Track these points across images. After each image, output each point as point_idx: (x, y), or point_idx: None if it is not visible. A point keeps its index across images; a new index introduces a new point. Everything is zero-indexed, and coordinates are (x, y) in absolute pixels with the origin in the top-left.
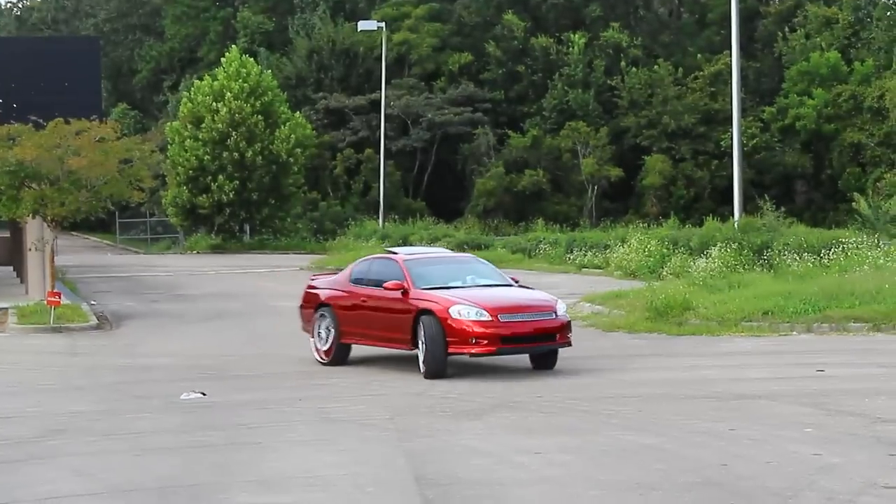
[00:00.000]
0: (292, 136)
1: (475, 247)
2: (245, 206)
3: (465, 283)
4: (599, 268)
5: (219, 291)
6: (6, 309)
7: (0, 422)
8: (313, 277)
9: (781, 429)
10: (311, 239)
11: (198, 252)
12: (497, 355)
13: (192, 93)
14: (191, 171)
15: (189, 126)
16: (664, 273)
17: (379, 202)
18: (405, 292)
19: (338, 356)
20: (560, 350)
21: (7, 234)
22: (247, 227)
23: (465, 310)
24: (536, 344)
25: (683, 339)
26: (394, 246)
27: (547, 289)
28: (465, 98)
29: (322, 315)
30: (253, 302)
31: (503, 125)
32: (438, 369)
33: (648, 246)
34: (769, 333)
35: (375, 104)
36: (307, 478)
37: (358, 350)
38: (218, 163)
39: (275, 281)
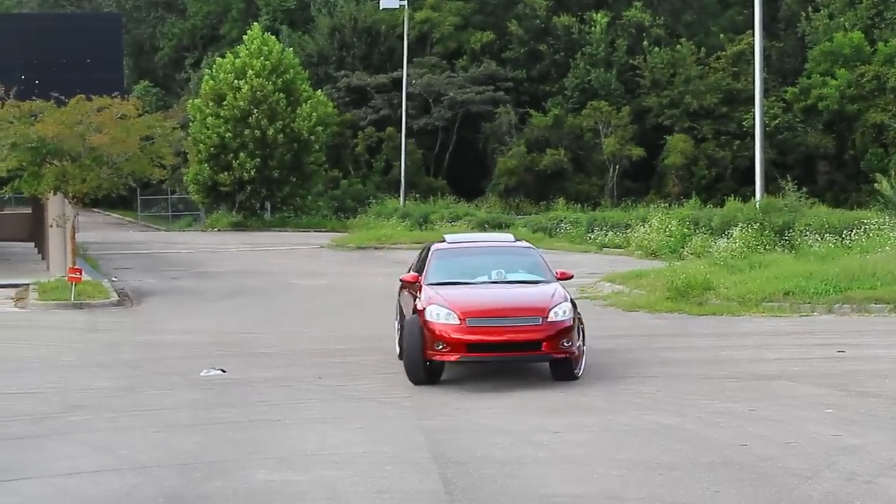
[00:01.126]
0: (314, 114)
1: (496, 225)
2: (266, 184)
3: (490, 277)
4: (620, 247)
5: (239, 269)
6: (27, 285)
7: (21, 397)
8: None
9: (801, 409)
10: (332, 217)
11: (219, 229)
12: (462, 363)
13: (214, 70)
14: (212, 149)
15: (211, 103)
16: (685, 253)
17: (400, 180)
18: (420, 287)
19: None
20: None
21: (29, 211)
22: (268, 205)
23: (437, 311)
24: (510, 353)
25: (704, 320)
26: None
27: (566, 268)
28: (487, 77)
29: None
30: (273, 280)
31: (525, 104)
32: (417, 377)
33: (669, 226)
34: (790, 314)
35: (397, 82)
36: (326, 455)
37: (378, 329)
38: (239, 140)
39: (295, 259)
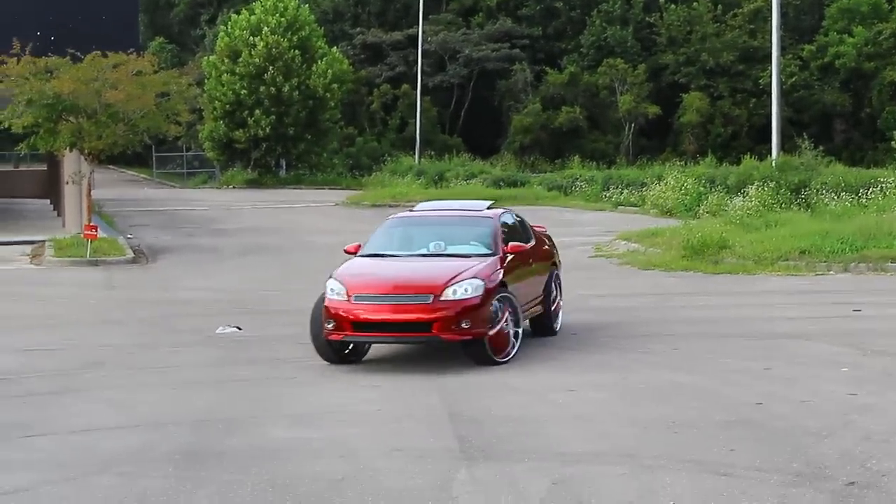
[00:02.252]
0: (329, 71)
1: (511, 183)
2: (281, 141)
3: (429, 249)
4: (635, 206)
5: (255, 226)
6: (43, 242)
7: (37, 354)
8: None
9: (817, 368)
10: (346, 175)
11: (234, 187)
12: (347, 343)
13: (230, 27)
14: (227, 106)
15: (226, 60)
16: (701, 211)
17: (415, 138)
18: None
19: None
20: (592, 289)
21: (44, 168)
22: (283, 163)
23: (332, 285)
24: (396, 334)
25: (719, 278)
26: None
27: (582, 226)
28: (503, 34)
29: None
30: (289, 237)
31: (540, 62)
32: (322, 353)
33: (685, 184)
34: (806, 273)
35: (413, 39)
36: (341, 412)
37: None
38: (255, 97)
39: (311, 216)
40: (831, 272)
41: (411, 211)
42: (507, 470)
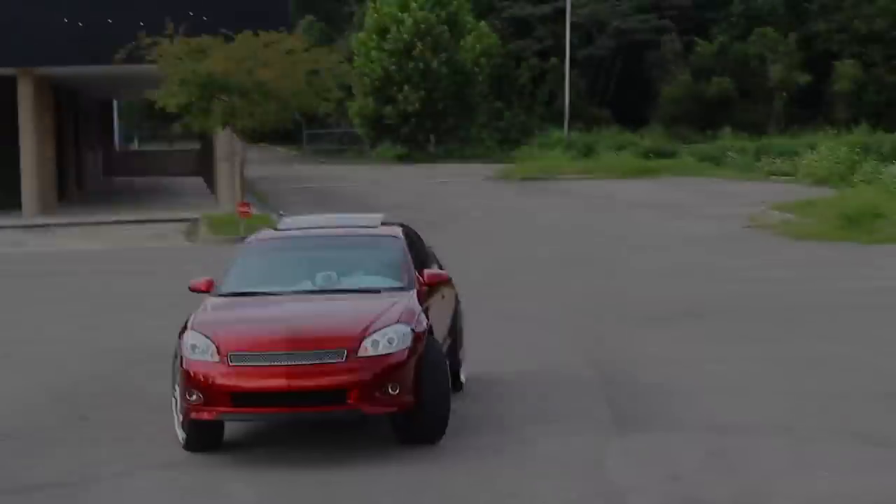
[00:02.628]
0: (477, 45)
1: (661, 154)
2: (430, 117)
3: (315, 283)
4: (788, 175)
5: (406, 201)
6: (197, 219)
7: None
8: None
9: None
10: (496, 148)
11: (384, 162)
12: (218, 425)
13: (378, 3)
14: (376, 82)
15: (374, 37)
16: (855, 180)
17: (564, 111)
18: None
19: None
20: (746, 259)
21: (197, 146)
22: (432, 138)
23: (194, 341)
24: (296, 409)
25: (876, 248)
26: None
27: (734, 197)
28: (652, 5)
29: None
30: (441, 210)
31: (689, 32)
32: (184, 439)
33: (838, 152)
34: None
35: (560, 12)
36: (489, 377)
37: (540, 253)
38: (403, 73)
39: (461, 190)
40: None
41: (276, 230)
42: (661, 441)
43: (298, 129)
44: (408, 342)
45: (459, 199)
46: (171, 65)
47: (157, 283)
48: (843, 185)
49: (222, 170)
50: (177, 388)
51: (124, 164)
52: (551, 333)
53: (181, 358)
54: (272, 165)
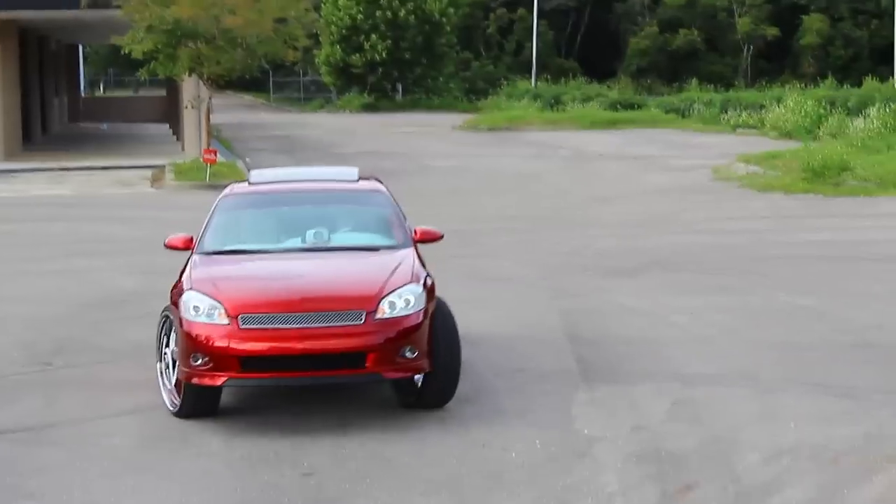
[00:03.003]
0: None
1: (628, 106)
2: (397, 66)
3: (305, 240)
4: (754, 128)
5: (372, 150)
6: (163, 166)
7: (156, 276)
8: None
9: None
10: (462, 99)
11: (350, 111)
12: (229, 386)
13: None
14: (344, 31)
15: None
16: (821, 134)
17: (531, 62)
18: (189, 260)
19: None
20: (712, 211)
21: (163, 93)
22: (399, 87)
23: (197, 302)
24: (312, 373)
25: (840, 200)
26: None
27: (701, 149)
28: None
29: None
30: (407, 161)
31: None
32: (174, 405)
33: (805, 106)
34: None
35: None
36: (462, 335)
37: (510, 210)
38: (371, 22)
39: (427, 140)
40: None
41: (250, 184)
42: (627, 391)
43: (265, 76)
44: (422, 303)
45: (425, 149)
46: (137, 10)
47: (122, 230)
48: (809, 138)
49: (188, 117)
50: (166, 353)
51: (90, 110)
52: (518, 286)
53: (181, 320)
54: (238, 112)
